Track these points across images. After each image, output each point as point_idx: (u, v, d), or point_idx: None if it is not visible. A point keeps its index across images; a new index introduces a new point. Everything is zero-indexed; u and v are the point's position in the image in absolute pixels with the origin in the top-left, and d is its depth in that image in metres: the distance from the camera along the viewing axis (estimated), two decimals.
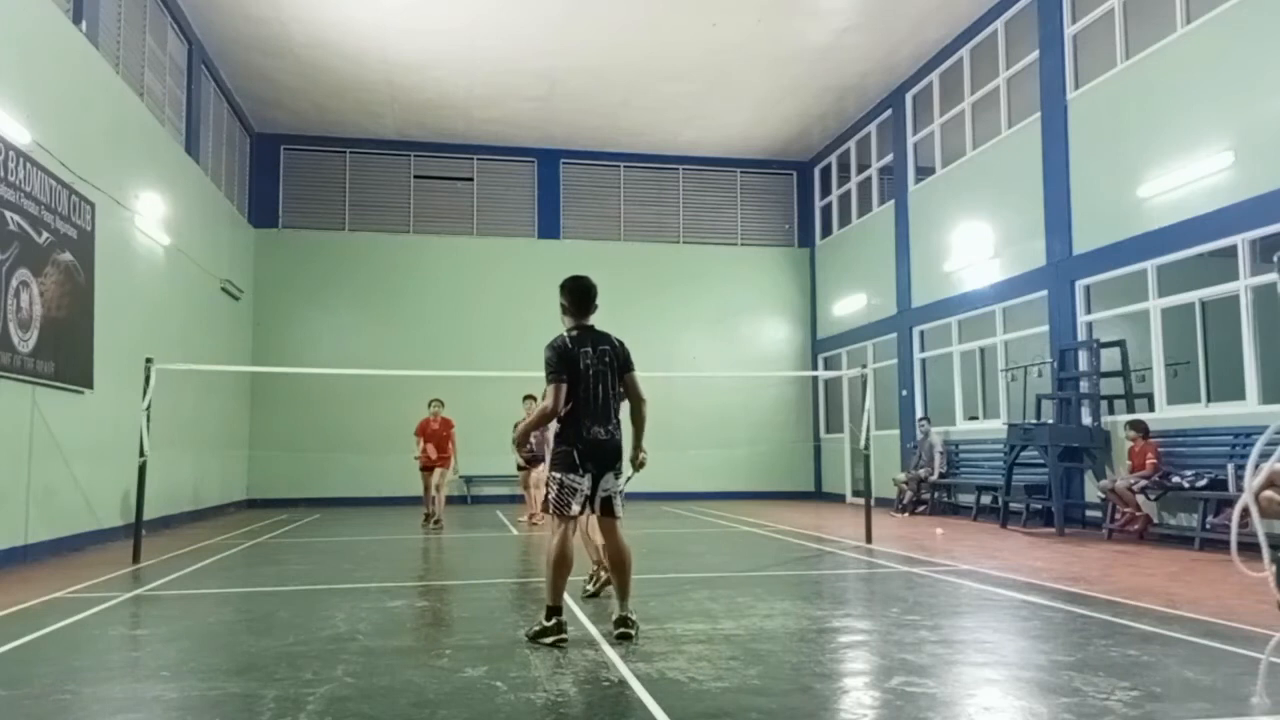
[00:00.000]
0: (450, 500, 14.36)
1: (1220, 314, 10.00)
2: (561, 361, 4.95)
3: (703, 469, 19.00)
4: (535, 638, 4.77)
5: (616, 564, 5.00)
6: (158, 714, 3.61)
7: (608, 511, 4.96)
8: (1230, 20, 9.69)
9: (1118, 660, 4.30)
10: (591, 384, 4.93)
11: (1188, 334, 10.42)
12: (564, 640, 4.72)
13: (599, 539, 5.38)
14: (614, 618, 4.95)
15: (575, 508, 4.87)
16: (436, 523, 12.71)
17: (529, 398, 12.59)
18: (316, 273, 18.56)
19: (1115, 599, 6.06)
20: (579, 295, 5.21)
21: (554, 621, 4.76)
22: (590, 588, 6.35)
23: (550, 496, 4.94)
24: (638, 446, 5.08)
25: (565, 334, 5.12)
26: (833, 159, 19.75)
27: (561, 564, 4.88)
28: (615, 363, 5.09)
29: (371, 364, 16.90)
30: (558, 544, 4.89)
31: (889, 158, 17.29)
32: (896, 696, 3.74)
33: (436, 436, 13.15)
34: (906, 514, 14.41)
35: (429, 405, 13.38)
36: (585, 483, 4.85)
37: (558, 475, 4.92)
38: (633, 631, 4.83)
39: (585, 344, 5.00)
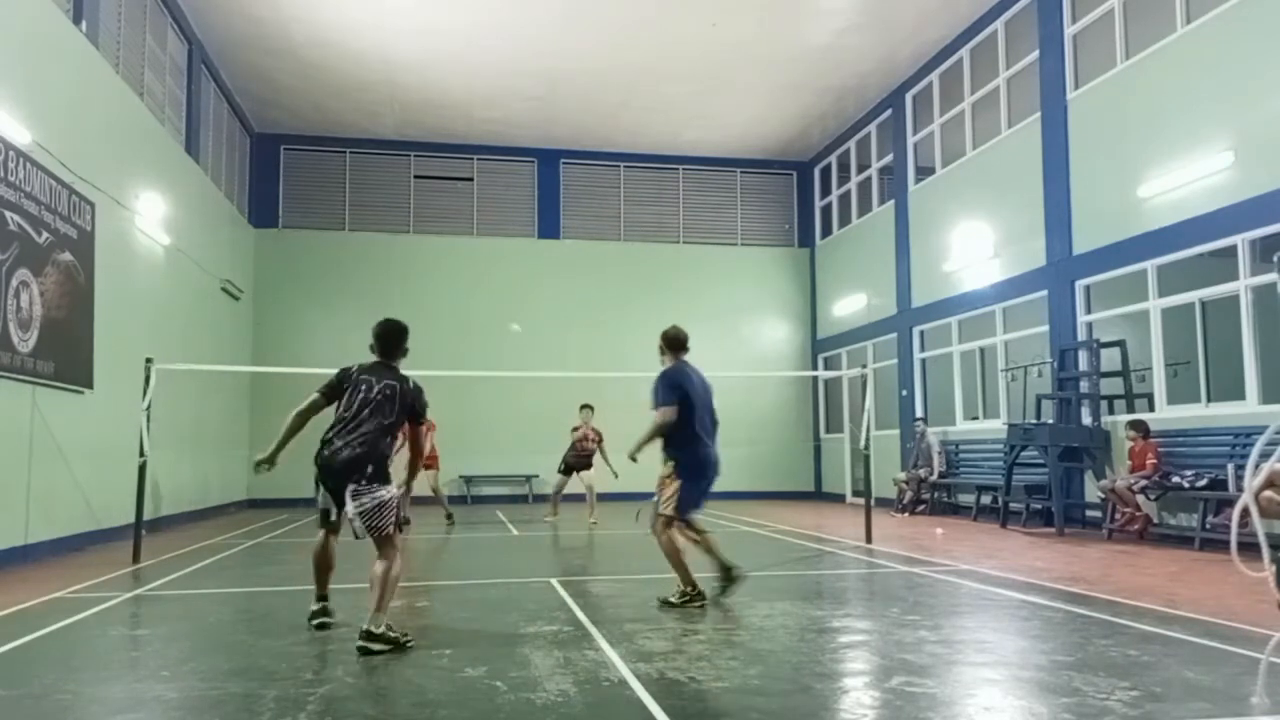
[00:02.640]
0: (449, 500, 14.42)
1: (1220, 314, 9.99)
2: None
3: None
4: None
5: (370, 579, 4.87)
6: (158, 714, 3.61)
7: (371, 532, 4.93)
8: (1230, 20, 9.69)
9: (1118, 660, 4.30)
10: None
11: (1188, 334, 10.42)
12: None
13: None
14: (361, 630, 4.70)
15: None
16: (448, 518, 13.23)
17: (586, 407, 13.51)
18: (316, 273, 18.55)
19: (1115, 599, 6.06)
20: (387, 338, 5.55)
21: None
22: (674, 600, 6.02)
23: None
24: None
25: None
26: (833, 159, 19.75)
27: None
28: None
29: None
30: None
31: (889, 158, 17.29)
32: (896, 696, 3.74)
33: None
34: (906, 514, 14.41)
35: None
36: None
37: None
38: (373, 647, 4.57)
39: None
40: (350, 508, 4.91)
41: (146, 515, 9.13)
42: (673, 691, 3.82)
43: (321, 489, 5.13)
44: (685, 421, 5.96)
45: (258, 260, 18.34)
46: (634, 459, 6.15)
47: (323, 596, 5.34)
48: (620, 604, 6.23)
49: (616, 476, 12.66)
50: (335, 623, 5.25)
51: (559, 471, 13.68)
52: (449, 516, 13.33)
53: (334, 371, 5.34)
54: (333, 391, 5.22)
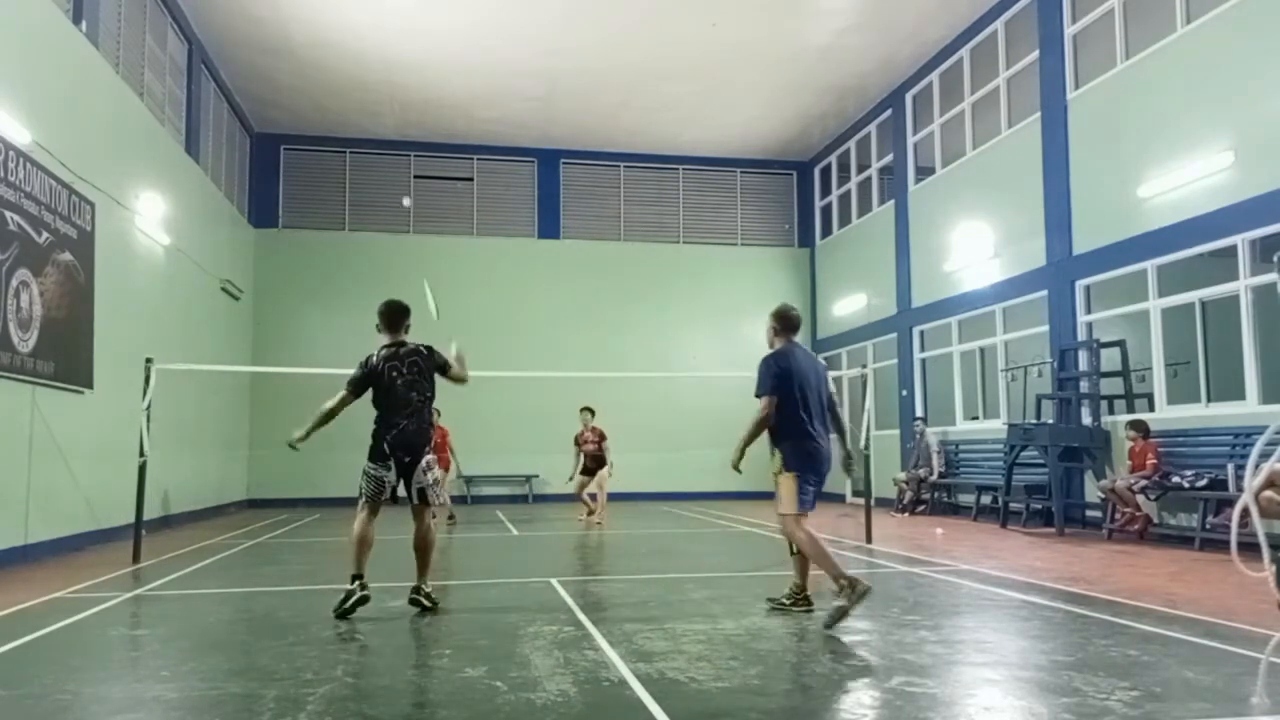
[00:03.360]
0: (450, 500, 14.48)
1: (1220, 314, 9.99)
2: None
3: (703, 469, 18.95)
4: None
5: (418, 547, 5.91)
6: (158, 714, 3.61)
7: (423, 500, 5.83)
8: (1230, 20, 9.69)
9: (1118, 660, 4.30)
10: None
11: (1188, 334, 10.42)
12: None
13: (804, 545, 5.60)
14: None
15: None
16: (450, 518, 13.49)
17: (585, 409, 13.70)
18: (316, 273, 18.55)
19: (1115, 599, 6.06)
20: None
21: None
22: (786, 601, 5.75)
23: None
24: None
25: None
26: (833, 159, 19.74)
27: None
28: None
29: None
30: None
31: (889, 158, 17.29)
32: (896, 696, 3.74)
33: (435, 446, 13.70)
34: (906, 514, 14.40)
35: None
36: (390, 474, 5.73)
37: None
38: (426, 604, 5.74)
39: None
40: (423, 477, 5.76)
41: (147, 515, 9.13)
42: (673, 691, 3.82)
43: (392, 468, 5.72)
44: (789, 411, 5.48)
45: (258, 260, 18.34)
46: (738, 468, 5.58)
47: (361, 574, 5.63)
48: (620, 604, 6.23)
49: (610, 475, 13.31)
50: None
51: (580, 473, 13.77)
52: (451, 517, 13.54)
53: (353, 371, 5.86)
54: (359, 387, 5.76)
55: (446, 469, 13.49)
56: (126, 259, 11.43)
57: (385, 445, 5.71)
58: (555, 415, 17.75)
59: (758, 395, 5.58)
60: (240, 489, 17.09)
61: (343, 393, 5.75)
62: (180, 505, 13.36)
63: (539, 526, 13.02)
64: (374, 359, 5.81)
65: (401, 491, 5.81)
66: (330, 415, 5.81)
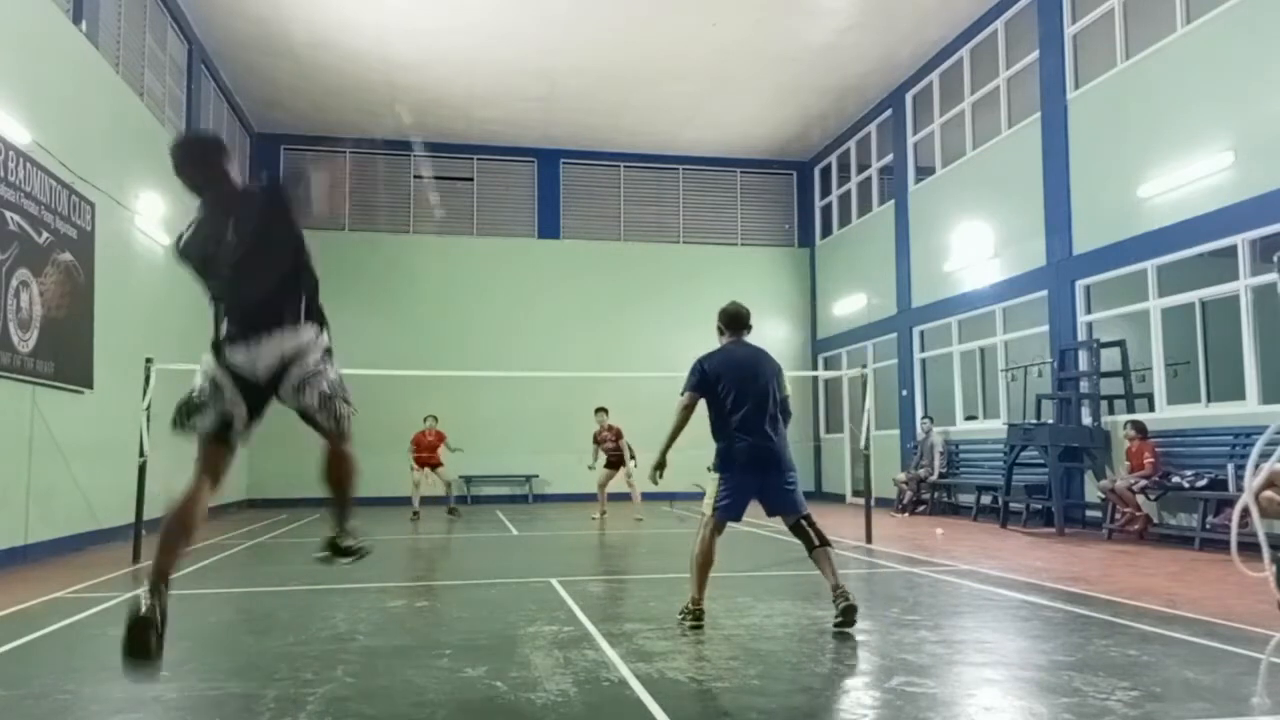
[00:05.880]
0: (454, 499, 14.75)
1: (1220, 314, 9.99)
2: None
3: (703, 469, 18.94)
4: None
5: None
6: (158, 714, 3.61)
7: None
8: (1230, 20, 9.69)
9: (1118, 660, 4.30)
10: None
11: (1188, 334, 10.42)
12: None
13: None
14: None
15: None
16: (452, 511, 14.13)
17: (600, 410, 14.05)
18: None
19: (1115, 599, 6.06)
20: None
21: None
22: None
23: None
24: None
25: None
26: (833, 159, 19.74)
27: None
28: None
29: (371, 364, 16.83)
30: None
31: (889, 158, 17.28)
32: (896, 696, 3.74)
33: (431, 448, 14.21)
34: (906, 514, 14.40)
35: (424, 420, 14.40)
36: None
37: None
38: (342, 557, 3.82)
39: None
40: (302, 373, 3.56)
41: (146, 515, 9.12)
42: (673, 691, 3.82)
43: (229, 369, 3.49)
44: (717, 411, 5.36)
45: None
46: (655, 479, 5.48)
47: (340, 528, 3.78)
48: (620, 604, 6.24)
49: (634, 470, 13.76)
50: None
51: (604, 467, 14.14)
52: (452, 510, 14.13)
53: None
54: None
55: (437, 468, 14.16)
56: (126, 259, 11.43)
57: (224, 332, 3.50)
58: (555, 415, 17.79)
59: (681, 393, 5.48)
60: (240, 489, 17.08)
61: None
62: None
63: (539, 526, 13.02)
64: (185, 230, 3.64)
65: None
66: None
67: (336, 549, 3.80)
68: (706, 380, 5.37)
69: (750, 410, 5.30)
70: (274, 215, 3.51)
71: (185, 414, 3.47)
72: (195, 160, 3.65)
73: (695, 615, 5.19)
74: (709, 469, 5.41)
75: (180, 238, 3.59)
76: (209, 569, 8.24)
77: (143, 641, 3.08)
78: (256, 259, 3.44)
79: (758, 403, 5.32)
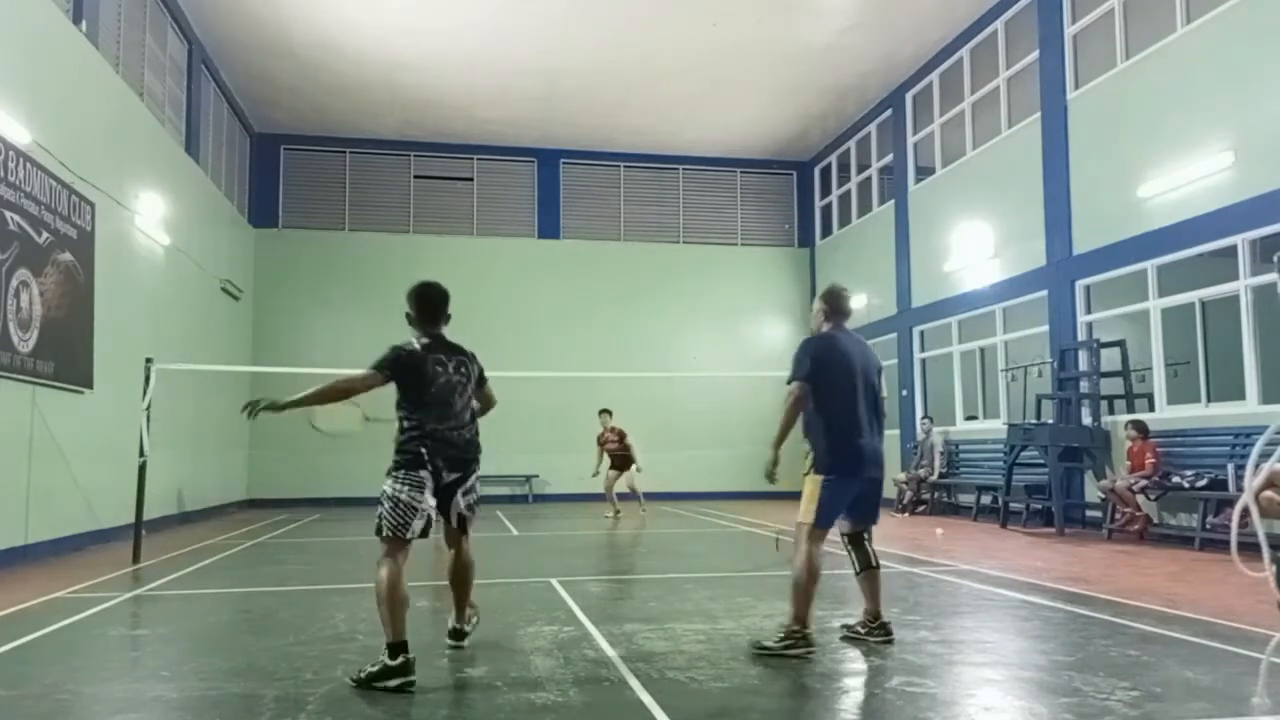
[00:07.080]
0: None
1: (1220, 314, 9.99)
2: None
3: (703, 469, 18.99)
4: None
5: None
6: (158, 714, 3.61)
7: (463, 526, 4.89)
8: (1230, 20, 9.68)
9: (1118, 660, 4.30)
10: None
11: (1188, 334, 10.41)
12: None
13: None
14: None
15: None
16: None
17: (604, 411, 14.15)
18: (316, 273, 18.55)
19: (1115, 599, 6.06)
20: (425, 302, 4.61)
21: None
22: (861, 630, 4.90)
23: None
24: None
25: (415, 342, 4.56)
26: (833, 159, 19.74)
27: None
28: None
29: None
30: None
31: (889, 158, 17.29)
32: (896, 696, 3.74)
33: None
34: (907, 514, 14.41)
35: None
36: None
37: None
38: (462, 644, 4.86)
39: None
40: (463, 501, 4.67)
41: (147, 515, 9.13)
42: (673, 691, 3.82)
43: (427, 485, 4.36)
44: (823, 403, 4.72)
45: (258, 260, 18.33)
46: (771, 477, 4.78)
47: (404, 644, 4.04)
48: (620, 604, 6.24)
49: (639, 471, 14.03)
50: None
51: (609, 469, 14.27)
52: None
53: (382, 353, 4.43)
54: (396, 371, 4.34)
55: None
56: (126, 259, 11.43)
57: (423, 451, 4.33)
58: (555, 415, 17.79)
59: (789, 381, 4.76)
60: (240, 489, 17.08)
61: (371, 371, 4.30)
62: (181, 505, 13.35)
63: (539, 526, 13.02)
64: (413, 345, 4.43)
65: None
66: (341, 394, 4.34)
67: (463, 635, 4.91)
68: (820, 368, 4.72)
69: (861, 408, 4.75)
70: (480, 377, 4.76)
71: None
72: (446, 305, 4.64)
73: (806, 640, 4.48)
74: (804, 474, 4.83)
75: (405, 351, 4.41)
76: (209, 569, 8.24)
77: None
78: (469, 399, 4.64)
79: (867, 400, 4.79)
